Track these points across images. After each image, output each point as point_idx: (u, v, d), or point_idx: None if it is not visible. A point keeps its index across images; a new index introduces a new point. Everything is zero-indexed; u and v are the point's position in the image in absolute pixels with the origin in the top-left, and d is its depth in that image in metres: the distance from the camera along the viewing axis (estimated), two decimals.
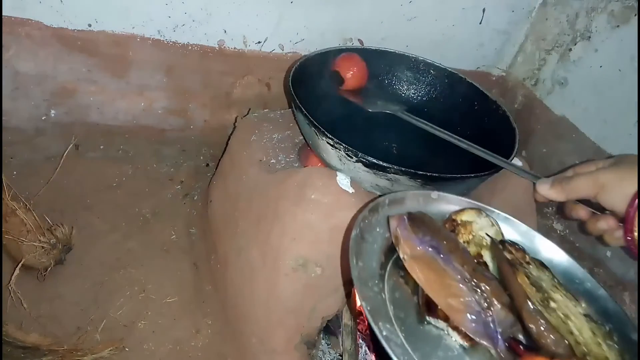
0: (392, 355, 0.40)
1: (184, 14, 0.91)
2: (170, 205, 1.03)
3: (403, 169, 0.65)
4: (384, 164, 0.66)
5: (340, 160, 0.71)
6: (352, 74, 0.90)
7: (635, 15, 0.90)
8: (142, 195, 1.02)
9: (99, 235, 0.92)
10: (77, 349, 0.73)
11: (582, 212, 0.60)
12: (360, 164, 0.69)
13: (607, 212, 0.56)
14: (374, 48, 0.98)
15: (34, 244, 0.79)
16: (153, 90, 0.99)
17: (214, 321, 0.85)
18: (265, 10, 0.94)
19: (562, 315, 0.47)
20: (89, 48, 0.90)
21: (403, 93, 1.00)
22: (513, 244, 0.55)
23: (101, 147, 1.03)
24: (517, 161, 0.85)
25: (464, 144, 0.76)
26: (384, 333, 0.42)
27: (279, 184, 0.77)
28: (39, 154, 0.97)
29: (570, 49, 1.04)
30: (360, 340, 0.89)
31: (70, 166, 0.96)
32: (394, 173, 0.66)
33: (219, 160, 1.00)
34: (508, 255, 0.52)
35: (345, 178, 0.74)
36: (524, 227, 0.61)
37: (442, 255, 0.49)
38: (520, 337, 0.46)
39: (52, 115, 0.95)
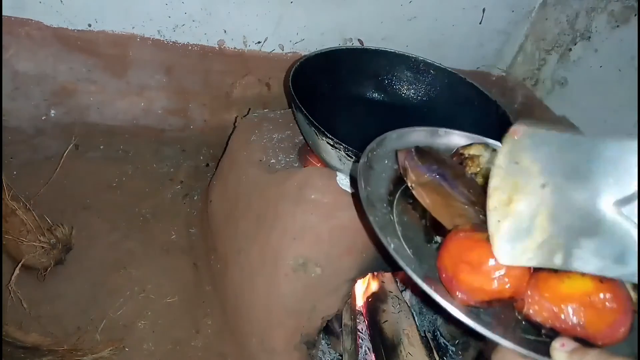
0: (402, 264, 0.40)
1: (184, 14, 0.91)
2: (170, 205, 1.03)
3: None
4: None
5: (340, 160, 0.71)
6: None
7: (635, 15, 0.90)
8: (142, 195, 1.02)
9: (99, 235, 0.92)
10: (77, 349, 0.73)
11: None
12: None
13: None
14: (374, 48, 0.98)
15: (34, 244, 0.79)
16: (153, 90, 0.99)
17: (214, 321, 0.85)
18: (265, 10, 0.94)
19: None
20: (89, 48, 0.90)
21: (403, 93, 1.00)
22: None
23: (101, 147, 1.03)
24: None
25: None
26: (392, 246, 0.43)
27: (279, 184, 0.77)
28: (39, 154, 0.97)
29: (570, 49, 1.04)
30: (361, 340, 0.90)
31: (70, 166, 0.96)
32: None
33: (219, 160, 1.00)
34: None
35: (345, 178, 0.74)
36: None
37: (448, 182, 0.51)
38: None
39: (52, 115, 0.95)
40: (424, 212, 0.51)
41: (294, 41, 1.01)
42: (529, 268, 0.41)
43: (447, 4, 1.05)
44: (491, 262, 0.40)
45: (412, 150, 0.54)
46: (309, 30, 1.00)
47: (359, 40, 1.05)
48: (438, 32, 1.09)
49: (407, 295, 1.01)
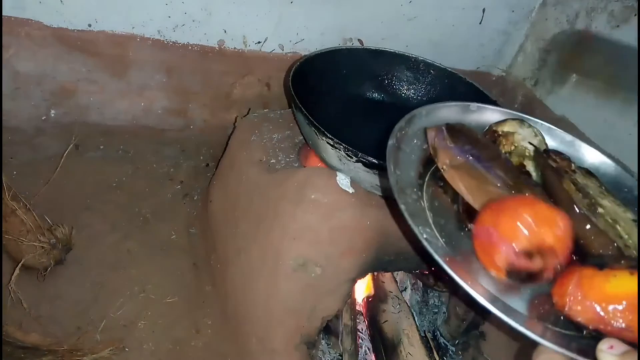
0: (435, 256, 0.38)
1: (184, 14, 0.91)
2: (170, 205, 1.03)
3: None
4: (384, 164, 0.66)
5: (340, 160, 0.71)
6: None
7: (635, 15, 0.90)
8: (142, 195, 1.02)
9: (99, 235, 0.92)
10: (77, 349, 0.73)
11: None
12: (360, 164, 0.69)
13: None
14: (374, 48, 0.98)
15: (34, 244, 0.79)
16: (153, 90, 0.99)
17: (214, 321, 0.85)
18: (265, 10, 0.94)
19: (610, 220, 0.45)
20: (89, 48, 0.90)
21: (403, 93, 1.00)
22: (558, 153, 0.52)
23: (101, 147, 1.03)
24: None
25: None
26: (425, 236, 0.41)
27: (279, 184, 0.77)
28: (39, 154, 0.97)
29: None
30: (361, 340, 0.90)
31: (70, 166, 0.96)
32: None
33: (219, 160, 1.00)
34: (553, 164, 0.50)
35: (345, 178, 0.74)
36: (569, 136, 0.58)
37: (482, 163, 0.47)
38: None
39: (52, 115, 0.95)
40: (455, 196, 0.48)
41: (294, 41, 1.01)
42: (570, 219, 0.40)
43: (447, 4, 1.05)
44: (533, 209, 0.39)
45: (443, 128, 0.50)
46: (309, 30, 1.00)
47: (359, 40, 1.05)
48: (438, 32, 1.09)
49: (407, 295, 1.01)
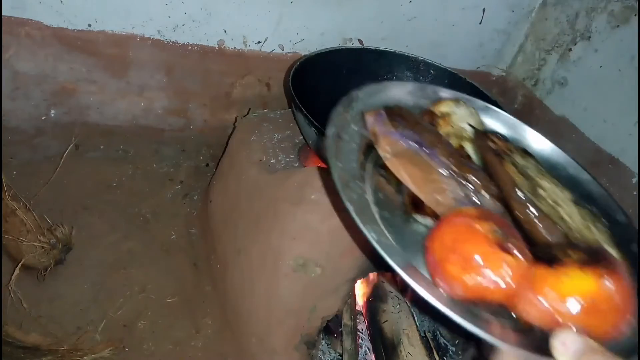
0: (385, 256, 0.37)
1: (184, 14, 0.91)
2: (170, 205, 1.03)
3: None
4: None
5: None
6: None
7: (635, 15, 0.90)
8: (142, 195, 1.02)
9: (99, 235, 0.92)
10: (77, 349, 0.73)
11: None
12: None
13: None
14: (374, 48, 0.98)
15: (34, 244, 0.79)
16: (153, 90, 0.99)
17: (214, 321, 0.85)
18: (265, 10, 0.94)
19: (551, 202, 0.44)
20: (89, 48, 0.90)
21: None
22: (495, 133, 0.51)
23: (101, 147, 1.03)
24: None
25: None
26: (375, 237, 0.38)
27: (279, 184, 0.77)
28: (39, 154, 0.97)
29: (570, 49, 1.04)
30: (361, 340, 0.90)
31: (70, 166, 0.96)
32: None
33: (219, 160, 1.00)
34: (492, 145, 0.48)
35: None
36: (504, 115, 0.58)
37: (425, 150, 0.45)
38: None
39: (52, 115, 0.95)
40: (399, 186, 0.46)
41: (294, 41, 1.01)
42: (528, 276, 0.36)
43: (447, 4, 1.05)
44: (482, 260, 0.36)
45: (382, 112, 0.48)
46: (309, 30, 1.00)
47: (359, 40, 1.05)
48: (438, 32, 1.09)
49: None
